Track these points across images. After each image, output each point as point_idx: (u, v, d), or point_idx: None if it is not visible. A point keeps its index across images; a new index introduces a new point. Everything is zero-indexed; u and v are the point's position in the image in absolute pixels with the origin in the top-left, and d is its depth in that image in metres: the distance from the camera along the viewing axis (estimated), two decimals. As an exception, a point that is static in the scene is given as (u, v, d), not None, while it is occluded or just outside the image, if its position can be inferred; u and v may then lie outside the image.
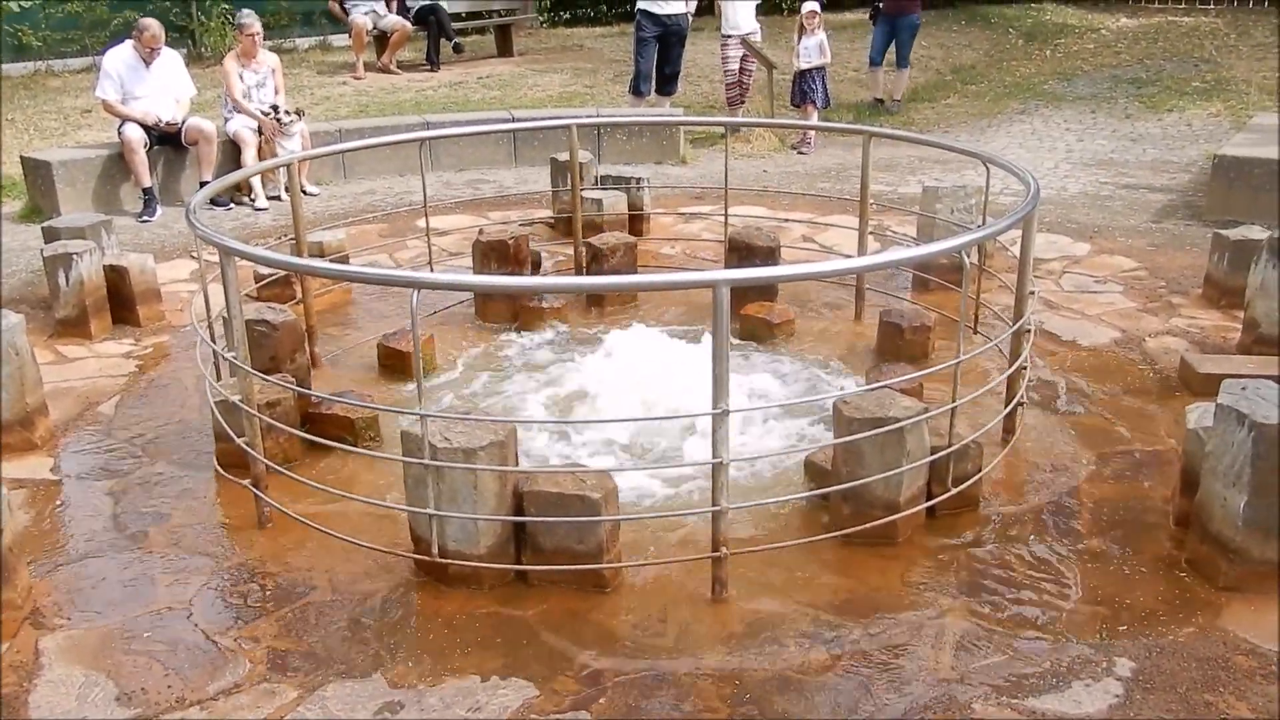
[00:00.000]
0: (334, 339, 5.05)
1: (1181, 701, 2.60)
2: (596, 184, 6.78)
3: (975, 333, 4.76)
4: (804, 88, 9.71)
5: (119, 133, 7.40)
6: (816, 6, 9.75)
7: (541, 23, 15.96)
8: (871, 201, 5.12)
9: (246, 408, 3.33)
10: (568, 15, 16.71)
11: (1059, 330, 5.03)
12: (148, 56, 7.49)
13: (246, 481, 3.46)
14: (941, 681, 2.69)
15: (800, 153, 9.57)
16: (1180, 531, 3.27)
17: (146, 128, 7.40)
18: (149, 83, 7.52)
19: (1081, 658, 2.77)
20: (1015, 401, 3.76)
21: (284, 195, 7.59)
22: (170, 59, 7.71)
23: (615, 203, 6.21)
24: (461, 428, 3.05)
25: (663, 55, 9.93)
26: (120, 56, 7.50)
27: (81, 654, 2.85)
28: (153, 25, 7.53)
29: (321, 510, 3.46)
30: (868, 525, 3.22)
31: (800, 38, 9.64)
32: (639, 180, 6.68)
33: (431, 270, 5.44)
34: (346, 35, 12.85)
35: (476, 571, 3.07)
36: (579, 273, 5.58)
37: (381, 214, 7.24)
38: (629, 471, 3.66)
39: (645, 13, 9.72)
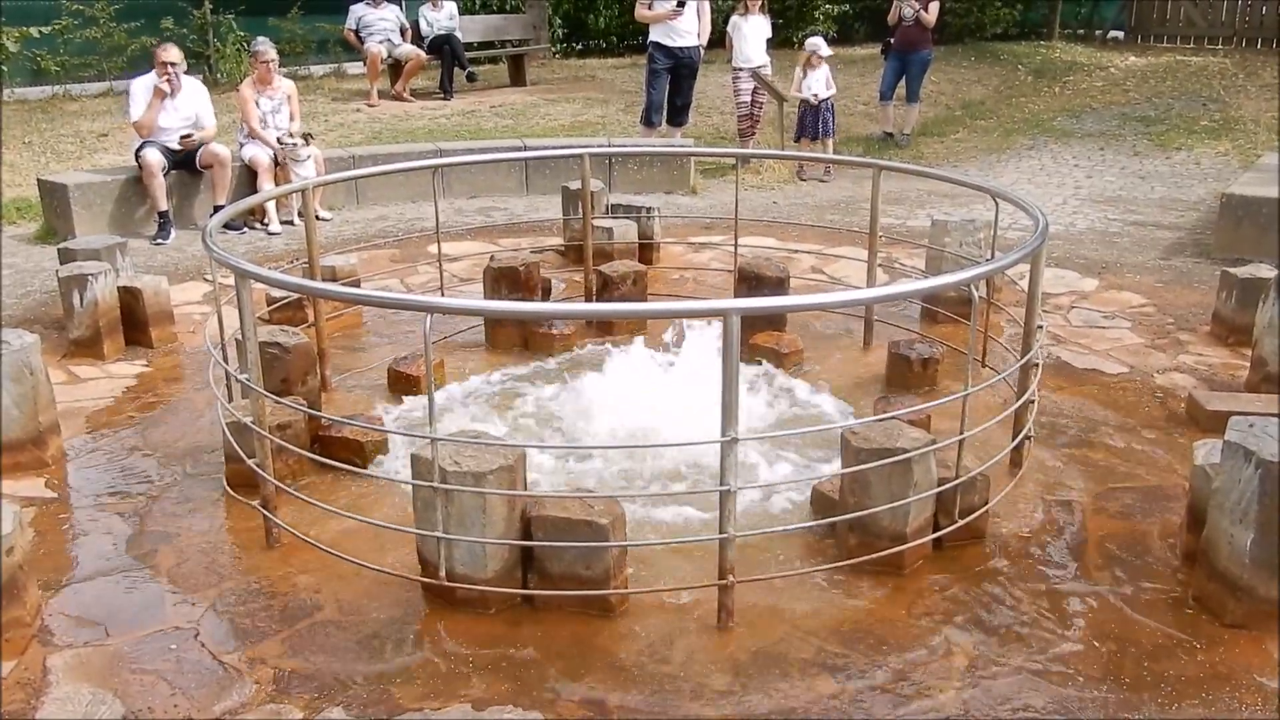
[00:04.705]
0: (345, 363, 5.07)
1: (1188, 737, 2.60)
2: (607, 212, 6.83)
3: (983, 365, 4.77)
4: (817, 120, 9.87)
5: (137, 156, 7.48)
6: (821, 44, 9.97)
7: (554, 53, 16.09)
8: (880, 234, 5.15)
9: (258, 429, 3.35)
10: (580, 46, 16.85)
11: (1067, 364, 5.04)
12: (167, 86, 7.55)
13: (256, 502, 3.49)
14: (946, 713, 2.68)
15: (822, 181, 9.68)
16: (1187, 567, 3.26)
17: (165, 151, 7.48)
18: (172, 112, 7.59)
19: (1087, 692, 2.76)
20: (1023, 434, 3.77)
21: (297, 220, 7.65)
22: (194, 89, 7.79)
23: (626, 231, 6.25)
24: (471, 452, 3.06)
25: (674, 87, 10.03)
26: (147, 83, 7.58)
27: (89, 672, 2.86)
28: (172, 50, 7.62)
29: (330, 532, 3.47)
30: (874, 555, 3.23)
31: (806, 72, 9.82)
32: (649, 209, 6.73)
33: (443, 295, 5.47)
34: (361, 63, 13.00)
35: (483, 595, 3.07)
36: (589, 300, 5.61)
37: (393, 239, 7.29)
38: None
39: (658, 45, 9.83)
